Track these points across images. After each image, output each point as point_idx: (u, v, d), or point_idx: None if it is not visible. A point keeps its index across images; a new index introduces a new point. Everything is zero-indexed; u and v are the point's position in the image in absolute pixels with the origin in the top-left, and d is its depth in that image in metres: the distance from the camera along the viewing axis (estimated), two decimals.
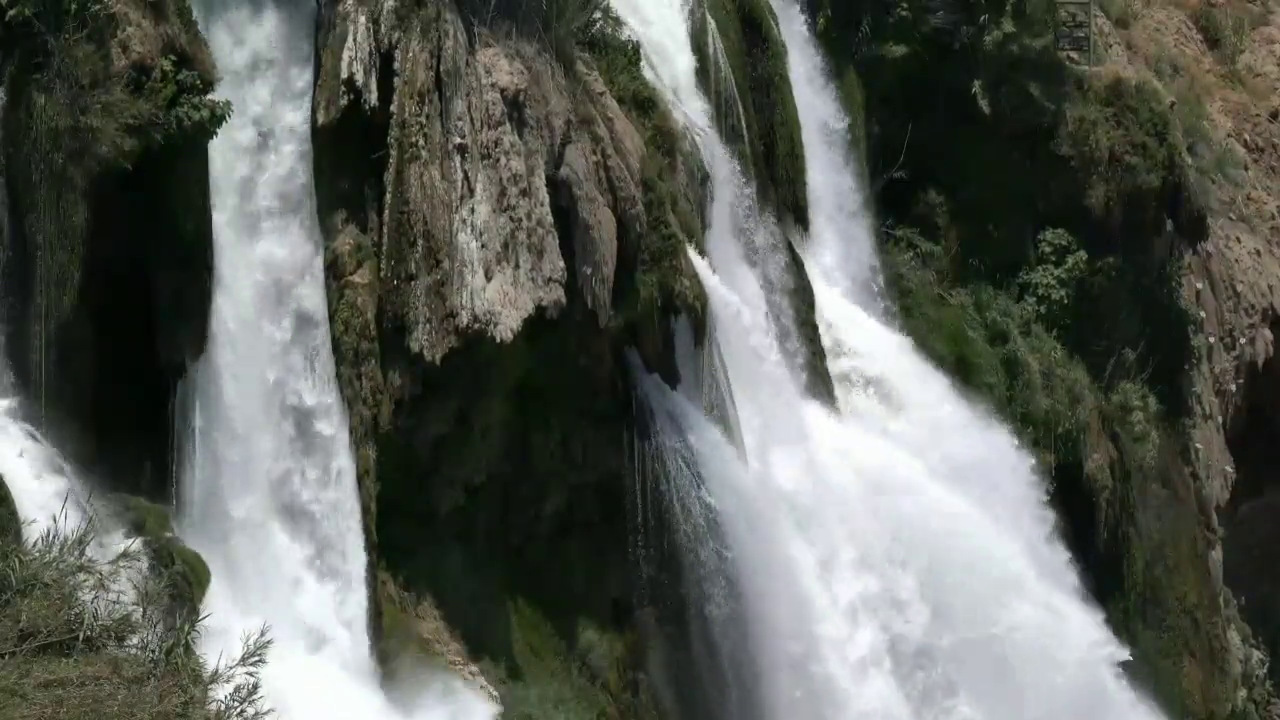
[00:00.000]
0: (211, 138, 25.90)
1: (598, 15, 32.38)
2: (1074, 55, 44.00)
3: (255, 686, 12.04)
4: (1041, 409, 41.01)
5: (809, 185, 38.23)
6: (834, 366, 37.18)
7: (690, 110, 34.47)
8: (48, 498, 23.62)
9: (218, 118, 25.76)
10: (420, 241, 28.16)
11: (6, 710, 11.09)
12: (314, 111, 27.94)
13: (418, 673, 28.36)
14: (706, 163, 34.08)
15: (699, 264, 32.47)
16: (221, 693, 12.07)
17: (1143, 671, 40.40)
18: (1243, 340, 47.99)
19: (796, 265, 36.41)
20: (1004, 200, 42.02)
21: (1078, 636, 38.06)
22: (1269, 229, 50.53)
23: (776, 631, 32.39)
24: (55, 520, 12.82)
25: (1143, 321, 43.73)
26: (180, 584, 24.40)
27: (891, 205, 41.22)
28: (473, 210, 28.50)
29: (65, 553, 12.29)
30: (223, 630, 13.31)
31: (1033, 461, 39.72)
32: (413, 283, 28.14)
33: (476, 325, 28.07)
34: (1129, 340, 43.32)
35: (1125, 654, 38.99)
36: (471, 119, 28.66)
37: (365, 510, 28.14)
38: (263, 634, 12.22)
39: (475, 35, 29.24)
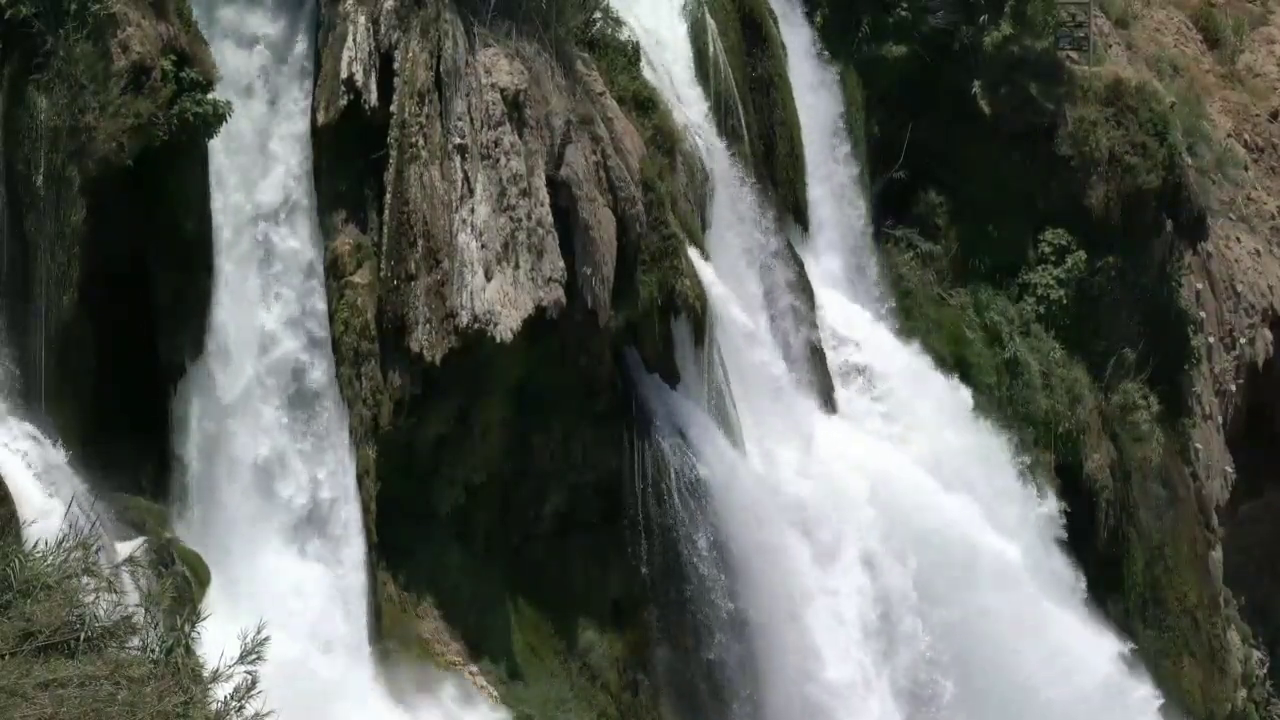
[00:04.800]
0: (212, 137, 25.92)
1: (597, 15, 32.39)
2: (1074, 55, 43.98)
3: (253, 683, 12.03)
4: (1041, 409, 40.99)
5: (809, 185, 38.22)
6: (834, 366, 37.17)
7: (690, 110, 34.47)
8: (47, 498, 23.64)
9: (218, 116, 25.77)
10: (420, 241, 28.16)
11: (7, 710, 11.09)
12: (314, 111, 27.95)
13: (418, 673, 28.36)
14: (706, 163, 34.08)
15: (699, 264, 32.47)
16: (221, 692, 12.07)
17: (1143, 671, 40.40)
18: (1243, 340, 47.96)
19: (796, 265, 36.40)
20: (1004, 200, 41.98)
21: (1087, 654, 38.13)
22: (1269, 229, 50.50)
23: (775, 630, 32.38)
24: (66, 523, 12.85)
25: (1143, 321, 43.69)
26: (181, 584, 24.41)
27: (891, 205, 41.20)
28: (473, 210, 28.50)
29: (69, 555, 12.29)
30: (222, 630, 13.30)
31: (1026, 460, 39.72)
32: (413, 283, 28.15)
33: (476, 325, 28.07)
34: (1129, 340, 43.29)
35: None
36: (471, 119, 28.66)
37: (365, 510, 28.15)
38: (260, 632, 12.21)
39: (475, 35, 29.24)
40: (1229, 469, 47.04)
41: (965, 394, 39.50)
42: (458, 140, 28.55)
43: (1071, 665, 37.47)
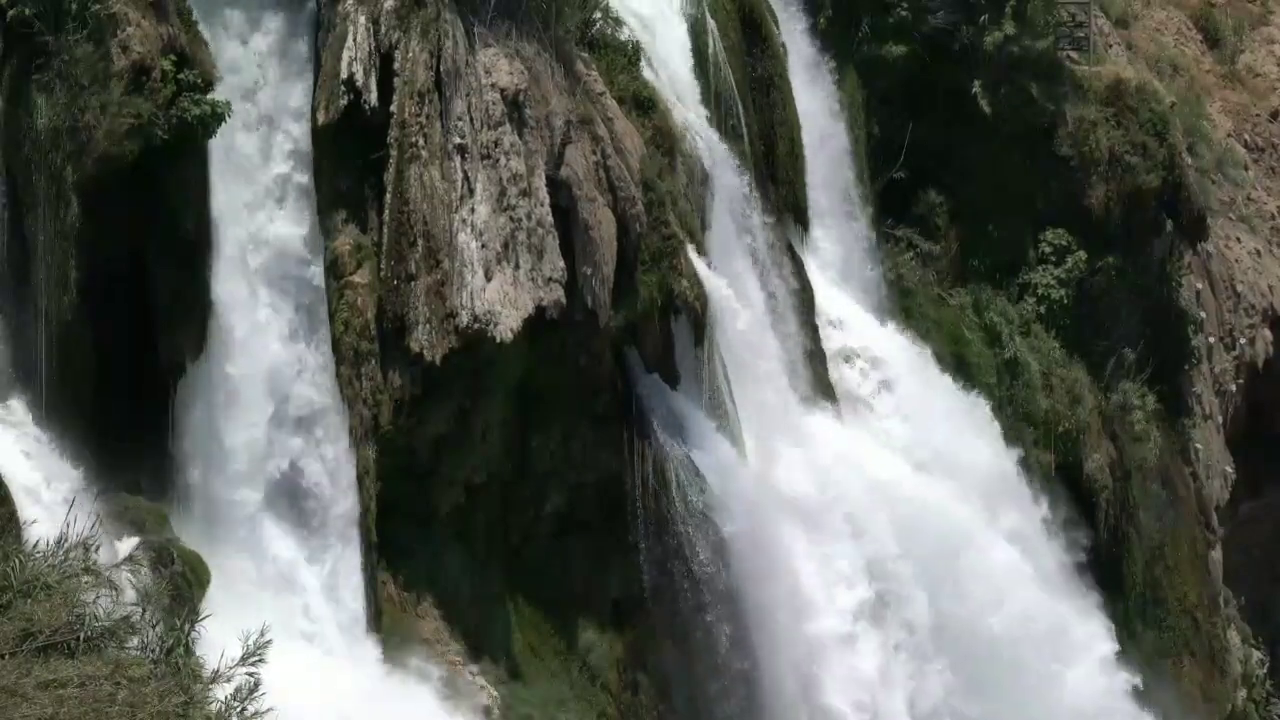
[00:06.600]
0: (212, 136, 25.92)
1: (597, 15, 32.39)
2: (1074, 55, 43.97)
3: (255, 685, 12.03)
4: (1041, 409, 40.99)
5: (809, 185, 38.21)
6: (834, 367, 37.17)
7: (690, 110, 34.46)
8: (47, 498, 23.65)
9: (217, 117, 25.78)
10: (420, 241, 28.17)
11: (7, 710, 11.09)
12: (314, 111, 27.96)
13: (417, 673, 28.35)
14: (706, 163, 34.07)
15: (699, 264, 32.47)
16: (221, 693, 12.06)
17: (1143, 671, 40.40)
18: (1243, 340, 47.97)
19: (796, 265, 36.40)
20: (1004, 200, 41.97)
21: (1083, 644, 38.19)
22: (1269, 229, 50.52)
23: (776, 631, 32.38)
24: (66, 523, 12.85)
25: (1143, 321, 43.70)
26: (180, 584, 24.40)
27: (891, 205, 41.19)
28: (473, 210, 28.51)
29: (70, 555, 12.29)
30: (221, 630, 13.31)
31: (1027, 484, 39.74)
32: (413, 283, 28.15)
33: (476, 325, 28.08)
34: (1129, 340, 43.29)
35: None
36: (471, 119, 28.67)
37: (365, 510, 28.15)
38: (262, 634, 12.20)
39: (475, 35, 29.25)
40: (1229, 469, 47.04)
41: (966, 393, 39.51)
42: (458, 140, 28.56)
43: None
